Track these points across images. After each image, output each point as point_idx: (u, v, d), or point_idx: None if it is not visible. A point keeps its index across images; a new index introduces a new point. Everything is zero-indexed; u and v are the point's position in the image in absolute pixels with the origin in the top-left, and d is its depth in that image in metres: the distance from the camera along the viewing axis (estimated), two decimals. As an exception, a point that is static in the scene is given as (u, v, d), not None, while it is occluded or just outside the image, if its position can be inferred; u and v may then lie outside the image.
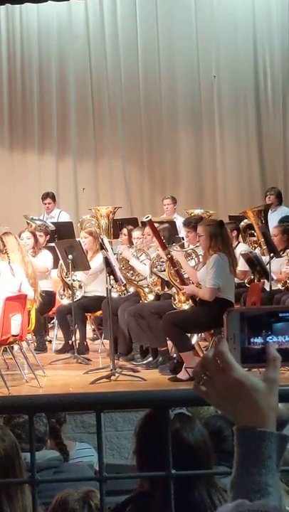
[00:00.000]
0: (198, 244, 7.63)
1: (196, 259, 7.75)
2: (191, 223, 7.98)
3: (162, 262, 7.84)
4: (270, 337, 1.37)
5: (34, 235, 9.14)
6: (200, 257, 7.64)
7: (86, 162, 14.50)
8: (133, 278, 8.42)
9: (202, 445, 2.47)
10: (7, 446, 2.44)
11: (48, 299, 8.84)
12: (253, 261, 9.04)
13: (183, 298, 7.50)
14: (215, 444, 3.14)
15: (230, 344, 1.35)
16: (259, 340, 1.37)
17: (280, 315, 1.39)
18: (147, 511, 2.34)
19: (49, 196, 12.24)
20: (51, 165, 14.41)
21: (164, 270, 7.74)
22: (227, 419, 1.36)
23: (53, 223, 11.05)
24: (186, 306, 7.47)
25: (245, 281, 9.50)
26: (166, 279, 7.80)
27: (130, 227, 9.59)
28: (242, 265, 9.21)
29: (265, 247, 9.17)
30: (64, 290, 8.97)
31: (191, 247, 7.86)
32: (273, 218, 10.81)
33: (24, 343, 7.75)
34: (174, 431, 2.41)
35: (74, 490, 2.79)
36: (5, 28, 14.32)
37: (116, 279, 7.70)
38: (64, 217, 12.10)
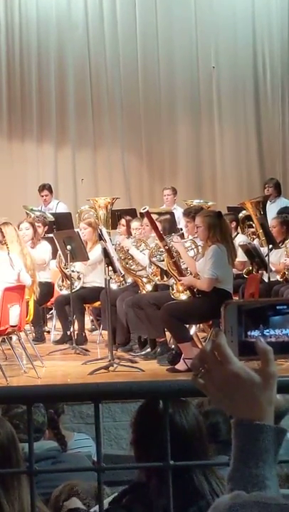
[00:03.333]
0: (196, 235, 7.63)
1: (195, 249, 7.76)
2: (191, 213, 7.98)
3: (161, 251, 7.83)
4: (268, 330, 1.38)
5: (33, 226, 9.12)
6: (199, 247, 7.64)
7: (85, 152, 14.48)
8: (132, 268, 8.42)
9: (196, 430, 2.46)
10: (3, 436, 2.43)
11: (47, 289, 8.85)
12: (251, 252, 9.05)
13: (181, 288, 7.50)
14: (213, 434, 3.15)
15: (227, 337, 1.35)
16: (256, 333, 1.37)
17: (278, 308, 1.39)
18: (144, 501, 2.35)
19: (46, 188, 12.19)
20: (50, 154, 14.39)
21: (163, 260, 7.74)
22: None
23: (51, 214, 11.03)
24: (184, 296, 7.47)
25: (244, 271, 9.50)
26: (164, 268, 7.81)
27: (128, 217, 9.57)
28: (240, 256, 9.21)
29: (263, 238, 9.17)
30: (63, 281, 8.97)
31: (190, 237, 7.86)
32: (272, 209, 10.80)
33: (22, 334, 7.75)
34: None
35: (82, 482, 2.79)
36: (4, 18, 14.26)
37: (114, 270, 7.70)
38: (62, 208, 12.08)
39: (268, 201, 11.16)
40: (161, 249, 7.81)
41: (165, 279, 8.03)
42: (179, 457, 2.31)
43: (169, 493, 1.74)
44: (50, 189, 12.24)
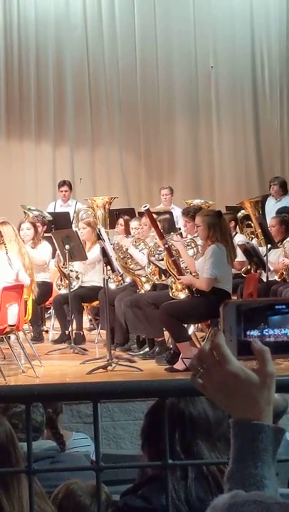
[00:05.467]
0: (196, 235, 7.64)
1: (194, 249, 7.76)
2: (190, 213, 7.98)
3: (160, 250, 7.83)
4: (267, 330, 1.38)
5: (34, 226, 9.10)
6: (199, 247, 7.64)
7: (83, 151, 14.48)
8: (131, 267, 8.42)
9: (203, 420, 2.44)
10: (2, 435, 2.43)
11: (45, 289, 8.84)
12: (250, 252, 9.05)
13: (180, 287, 7.51)
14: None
15: (226, 336, 1.35)
16: (255, 333, 1.37)
17: (276, 307, 1.39)
18: (162, 493, 2.33)
19: (66, 184, 12.23)
20: (48, 153, 14.38)
21: (162, 259, 7.74)
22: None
23: (50, 213, 11.04)
24: (182, 295, 7.47)
25: (242, 271, 9.50)
26: (163, 267, 7.81)
27: (126, 217, 9.57)
28: (239, 256, 9.20)
29: (262, 238, 9.17)
30: (61, 280, 8.97)
31: (190, 237, 7.86)
32: (277, 209, 10.66)
33: (21, 333, 7.74)
34: (171, 403, 2.41)
35: (82, 481, 2.79)
36: (2, 18, 14.25)
37: (113, 270, 7.70)
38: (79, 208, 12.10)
39: (274, 200, 11.12)
40: (160, 249, 7.82)
41: (163, 278, 8.03)
42: (185, 442, 2.33)
43: (167, 490, 1.75)
44: (70, 185, 12.27)
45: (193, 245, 7.77)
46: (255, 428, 1.29)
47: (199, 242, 7.62)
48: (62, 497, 2.76)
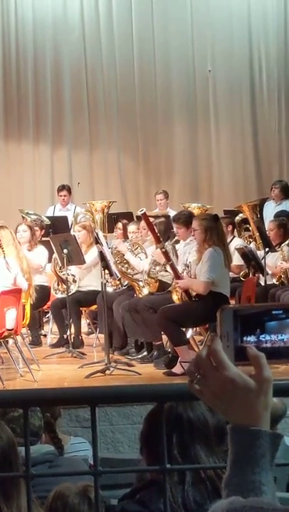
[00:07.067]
0: (191, 239, 7.66)
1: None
2: (180, 219, 7.99)
3: (157, 268, 7.88)
4: (263, 335, 1.38)
5: (31, 229, 9.10)
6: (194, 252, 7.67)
7: (81, 154, 14.47)
8: (128, 272, 8.42)
9: (202, 424, 2.44)
10: (5, 441, 2.43)
11: (43, 293, 8.83)
12: (248, 255, 9.05)
13: (177, 296, 7.53)
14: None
15: (223, 342, 1.35)
16: (252, 338, 1.38)
17: (273, 313, 1.39)
18: (160, 498, 2.34)
19: (65, 188, 12.22)
20: (46, 156, 14.38)
21: (161, 271, 7.79)
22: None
23: (48, 217, 11.03)
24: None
25: (240, 274, 9.50)
26: (164, 280, 7.84)
27: (125, 221, 9.57)
28: (237, 259, 9.22)
29: (260, 242, 9.17)
30: (58, 284, 8.96)
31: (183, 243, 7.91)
32: (276, 212, 10.64)
33: (19, 337, 7.74)
34: (170, 407, 2.41)
35: (71, 483, 2.80)
36: (0, 20, 14.26)
37: (111, 274, 7.70)
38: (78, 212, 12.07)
39: (274, 203, 11.09)
40: (157, 268, 7.85)
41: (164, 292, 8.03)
42: (183, 446, 2.33)
43: (166, 495, 1.75)
44: (69, 190, 12.27)
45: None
46: (253, 434, 1.29)
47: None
48: (52, 500, 2.77)
